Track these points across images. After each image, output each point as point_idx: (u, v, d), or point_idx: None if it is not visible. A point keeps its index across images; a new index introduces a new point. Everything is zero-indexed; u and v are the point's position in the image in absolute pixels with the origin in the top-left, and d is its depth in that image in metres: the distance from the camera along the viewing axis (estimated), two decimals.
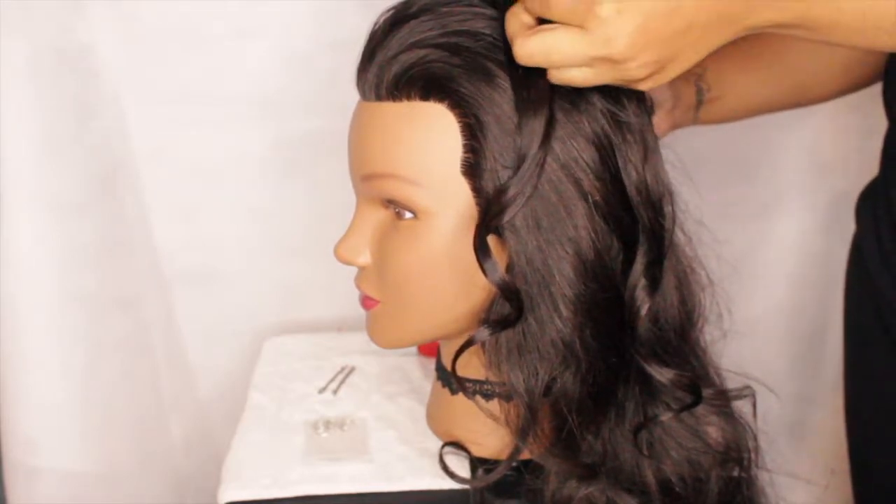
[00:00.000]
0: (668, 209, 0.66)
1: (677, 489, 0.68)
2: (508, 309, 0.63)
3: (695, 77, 0.81)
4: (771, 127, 1.00)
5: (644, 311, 0.64)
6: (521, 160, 0.60)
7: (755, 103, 0.85)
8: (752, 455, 0.72)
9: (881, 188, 0.81)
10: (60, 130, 0.92)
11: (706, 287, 0.72)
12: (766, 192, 1.05)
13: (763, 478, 0.74)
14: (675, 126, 0.82)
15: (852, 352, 0.88)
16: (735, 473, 0.71)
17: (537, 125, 0.59)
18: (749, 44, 0.78)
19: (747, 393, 0.71)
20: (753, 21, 0.55)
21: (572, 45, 0.54)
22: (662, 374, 0.65)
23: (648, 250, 0.64)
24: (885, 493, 0.83)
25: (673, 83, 0.79)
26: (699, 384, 0.67)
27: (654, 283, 0.64)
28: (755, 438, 0.72)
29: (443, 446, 0.77)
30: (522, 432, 0.67)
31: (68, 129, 0.93)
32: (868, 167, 0.95)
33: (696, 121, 0.84)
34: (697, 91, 0.82)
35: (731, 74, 0.82)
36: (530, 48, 0.55)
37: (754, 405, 0.72)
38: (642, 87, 0.57)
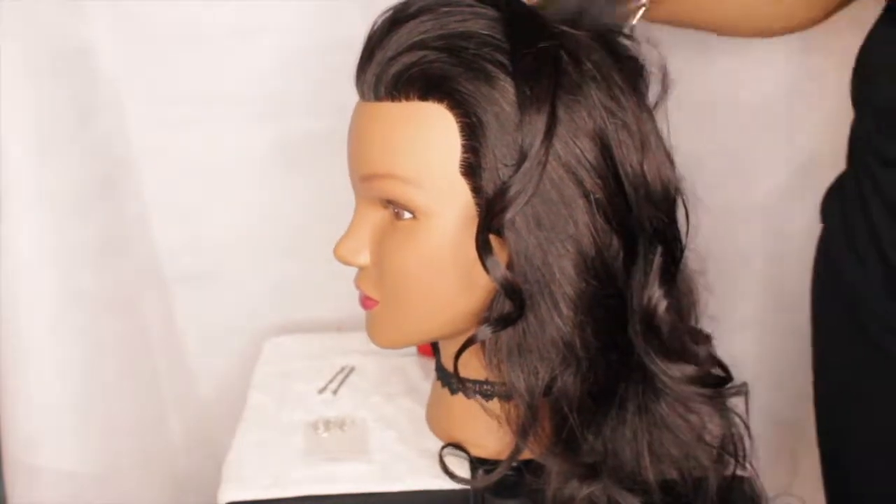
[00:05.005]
0: (674, 207, 0.66)
1: (678, 487, 0.68)
2: (509, 307, 0.63)
3: None
4: (770, 128, 1.01)
5: (662, 308, 0.64)
6: (522, 157, 0.60)
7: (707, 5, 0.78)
8: (750, 451, 0.72)
9: (850, 182, 0.79)
10: (60, 130, 0.92)
11: (707, 284, 0.72)
12: (766, 191, 1.05)
13: (762, 475, 0.74)
14: None
15: (824, 351, 0.87)
16: (733, 470, 0.71)
17: (539, 122, 0.59)
18: None
19: (743, 390, 0.71)
20: None
21: None
22: (666, 371, 0.65)
23: (663, 250, 0.64)
24: (859, 492, 0.82)
25: None
26: (699, 381, 0.67)
27: (669, 283, 0.64)
28: (750, 435, 0.72)
29: (443, 447, 0.77)
30: (523, 432, 0.67)
31: (68, 129, 0.93)
32: None
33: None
34: None
35: None
36: None
37: (746, 401, 0.72)
38: None
